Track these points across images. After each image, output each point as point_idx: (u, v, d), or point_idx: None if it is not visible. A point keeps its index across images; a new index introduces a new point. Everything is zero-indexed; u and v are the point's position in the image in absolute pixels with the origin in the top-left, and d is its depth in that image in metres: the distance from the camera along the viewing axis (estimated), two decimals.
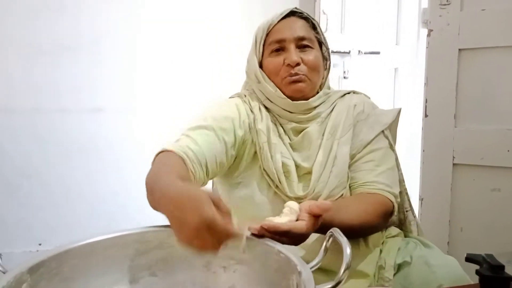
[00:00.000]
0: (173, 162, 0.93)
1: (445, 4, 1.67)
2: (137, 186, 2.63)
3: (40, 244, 2.31)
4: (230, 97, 1.21)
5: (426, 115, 1.73)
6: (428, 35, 1.72)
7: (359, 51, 2.46)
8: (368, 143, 1.12)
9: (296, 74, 1.09)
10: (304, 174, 1.10)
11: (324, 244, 0.70)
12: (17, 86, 2.26)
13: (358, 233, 1.04)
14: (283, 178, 1.06)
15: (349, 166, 1.11)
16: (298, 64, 1.09)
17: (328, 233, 0.70)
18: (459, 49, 1.66)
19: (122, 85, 2.38)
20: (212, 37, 2.44)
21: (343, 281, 0.58)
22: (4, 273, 0.62)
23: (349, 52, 2.43)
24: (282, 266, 0.64)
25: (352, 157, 1.12)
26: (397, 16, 2.69)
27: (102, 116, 2.36)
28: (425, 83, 1.74)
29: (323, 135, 1.12)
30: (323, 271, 0.95)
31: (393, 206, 1.08)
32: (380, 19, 2.66)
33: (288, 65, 1.09)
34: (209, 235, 0.60)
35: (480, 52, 1.64)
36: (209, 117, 1.07)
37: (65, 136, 2.33)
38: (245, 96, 1.17)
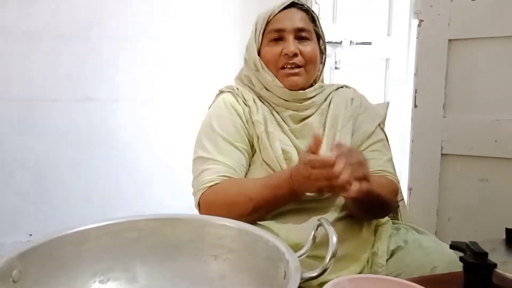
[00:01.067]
0: (232, 183, 1.05)
1: None
2: (131, 177, 2.62)
3: (30, 235, 2.31)
4: (220, 90, 1.22)
5: (415, 105, 1.74)
6: (419, 25, 1.72)
7: (350, 41, 2.45)
8: (371, 134, 1.16)
9: (294, 64, 1.11)
10: None
11: (312, 233, 0.71)
12: (11, 74, 2.24)
13: (384, 210, 1.10)
14: (284, 165, 1.08)
15: None
16: (295, 55, 1.11)
17: (317, 222, 0.71)
18: (449, 40, 1.66)
19: (118, 75, 2.37)
20: (212, 37, 2.44)
21: (329, 269, 0.60)
22: None
23: (340, 43, 2.42)
24: (270, 254, 0.65)
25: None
26: (389, 7, 2.68)
27: (95, 105, 2.35)
28: (415, 74, 1.74)
29: (323, 125, 1.15)
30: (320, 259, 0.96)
31: (398, 191, 1.15)
32: (372, 10, 2.65)
33: (286, 55, 1.11)
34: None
35: (470, 43, 1.65)
36: (219, 129, 1.10)
37: (58, 125, 2.32)
38: (237, 89, 1.18)
